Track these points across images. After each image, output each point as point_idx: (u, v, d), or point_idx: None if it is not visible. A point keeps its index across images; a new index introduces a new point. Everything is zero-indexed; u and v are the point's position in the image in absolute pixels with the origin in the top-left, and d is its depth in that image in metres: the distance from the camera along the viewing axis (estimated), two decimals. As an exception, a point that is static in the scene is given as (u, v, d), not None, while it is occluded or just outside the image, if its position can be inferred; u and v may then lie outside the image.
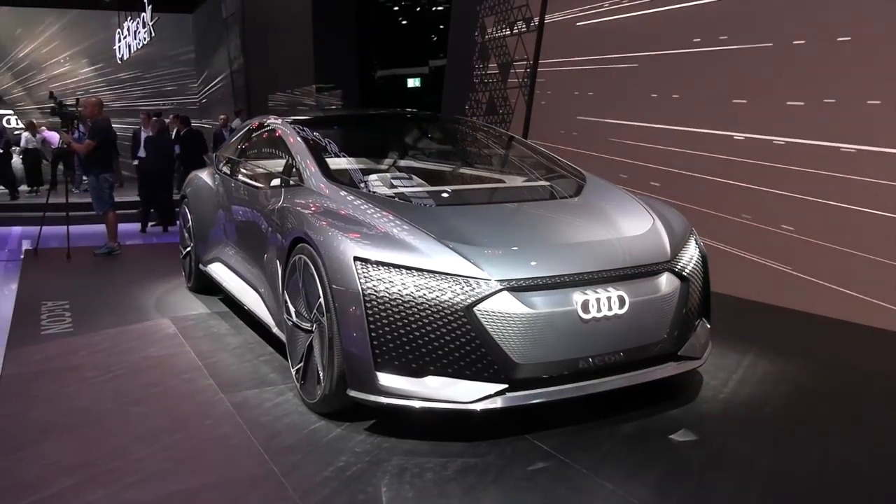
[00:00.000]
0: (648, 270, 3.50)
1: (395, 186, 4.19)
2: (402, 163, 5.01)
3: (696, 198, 6.09)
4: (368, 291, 3.17)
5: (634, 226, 3.75)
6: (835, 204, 5.20)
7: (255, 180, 5.01)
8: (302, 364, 3.66)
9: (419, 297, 3.13)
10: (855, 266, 5.07)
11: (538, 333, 3.17)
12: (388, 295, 3.15)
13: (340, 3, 15.13)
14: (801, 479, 2.93)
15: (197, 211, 6.10)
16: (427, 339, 3.13)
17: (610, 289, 3.32)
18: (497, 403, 3.14)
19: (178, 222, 7.03)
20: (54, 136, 15.87)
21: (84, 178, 14.80)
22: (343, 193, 3.88)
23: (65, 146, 8.87)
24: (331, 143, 4.69)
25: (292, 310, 3.79)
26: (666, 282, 3.53)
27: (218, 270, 5.62)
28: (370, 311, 3.16)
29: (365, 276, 3.20)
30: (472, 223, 3.62)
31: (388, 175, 4.43)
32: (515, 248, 3.39)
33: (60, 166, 14.95)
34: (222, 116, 15.62)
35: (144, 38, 20.60)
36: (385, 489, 2.85)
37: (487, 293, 3.14)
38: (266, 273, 4.40)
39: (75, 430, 3.50)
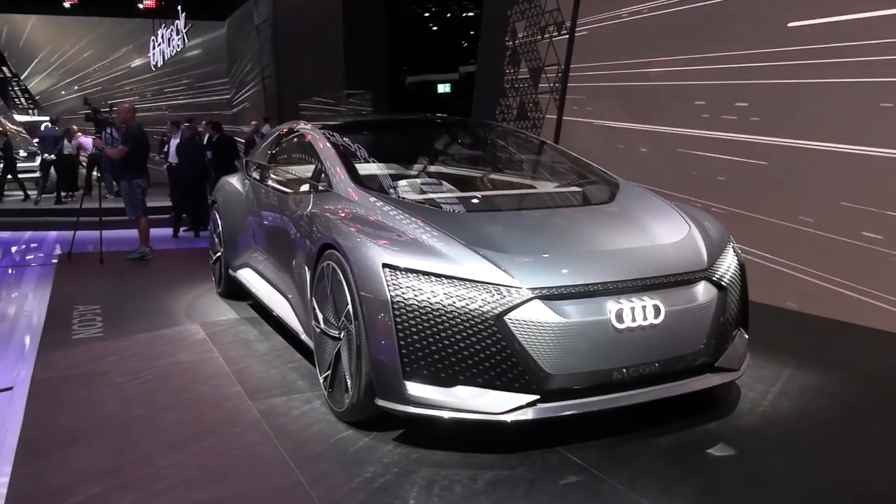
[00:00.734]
0: (685, 279, 3.41)
1: (425, 192, 4.14)
2: (432, 168, 4.97)
3: (733, 202, 5.95)
4: (397, 299, 3.12)
5: (670, 233, 3.65)
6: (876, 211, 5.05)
7: (285, 186, 4.99)
8: (330, 372, 3.62)
9: (449, 305, 3.07)
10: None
11: (571, 343, 3.09)
12: (416, 303, 3.10)
13: (371, 10, 15.16)
14: (845, 498, 2.81)
15: (227, 216, 6.10)
16: (457, 348, 3.06)
17: (645, 298, 3.23)
18: (528, 415, 3.07)
19: (209, 227, 7.05)
20: (88, 142, 16.12)
21: (115, 183, 15.05)
22: (372, 199, 3.84)
23: (98, 151, 8.96)
24: (360, 148, 4.65)
25: (320, 317, 3.75)
26: (703, 291, 3.43)
27: (247, 276, 5.61)
28: (399, 319, 3.10)
29: (394, 284, 3.15)
30: (502, 229, 3.55)
31: (417, 181, 4.38)
32: (547, 255, 3.32)
33: (95, 171, 15.21)
34: (254, 122, 15.70)
35: (178, 46, 20.86)
36: (413, 502, 2.79)
37: (518, 301, 3.07)
38: (294, 279, 4.37)
39: (104, 436, 3.49)
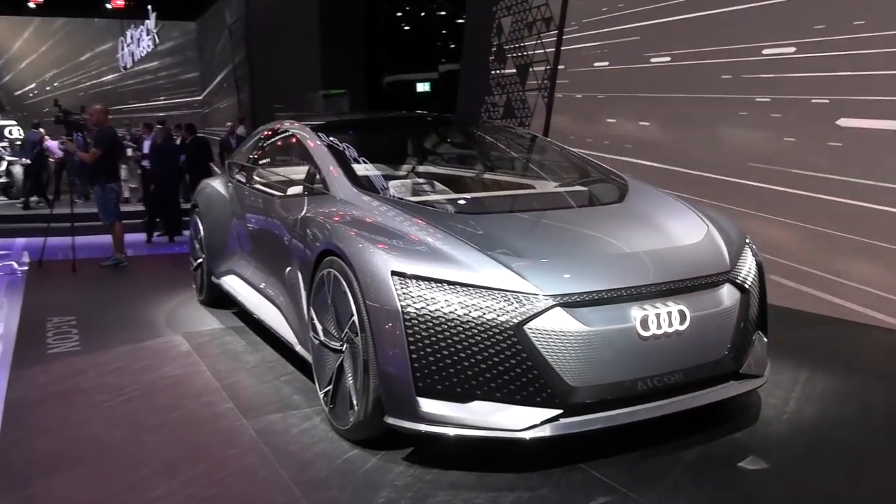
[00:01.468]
0: (709, 282, 3.22)
1: (427, 193, 3.92)
2: (432, 169, 4.75)
3: (735, 202, 5.80)
4: (408, 309, 2.90)
5: (689, 233, 3.47)
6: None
7: (274, 188, 4.73)
8: (331, 387, 3.38)
9: (464, 314, 2.86)
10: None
11: (594, 353, 2.89)
12: (429, 313, 2.88)
13: (348, 9, 14.89)
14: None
15: (209, 221, 5.83)
16: (473, 360, 2.85)
17: (669, 303, 3.04)
18: (546, 432, 2.85)
19: (188, 233, 6.76)
20: (54, 145, 15.64)
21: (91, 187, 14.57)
22: (373, 201, 3.61)
23: (64, 154, 8.62)
24: (353, 147, 4.40)
25: (319, 328, 3.52)
26: (727, 294, 3.25)
27: (232, 283, 5.34)
28: (410, 331, 2.88)
29: (403, 293, 2.93)
30: (515, 232, 3.35)
31: (418, 181, 4.15)
32: (566, 260, 3.12)
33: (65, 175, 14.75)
34: (229, 124, 15.39)
35: (148, 46, 20.40)
36: (433, 530, 2.57)
37: (539, 310, 2.86)
38: (287, 287, 4.12)
39: (87, 463, 3.22)
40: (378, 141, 4.93)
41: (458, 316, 2.86)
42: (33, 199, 15.21)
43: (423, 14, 17.87)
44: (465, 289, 2.90)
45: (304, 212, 3.95)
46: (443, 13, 17.30)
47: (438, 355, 2.86)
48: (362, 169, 4.11)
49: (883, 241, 4.90)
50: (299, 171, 4.69)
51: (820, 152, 5.31)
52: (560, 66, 7.68)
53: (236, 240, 5.34)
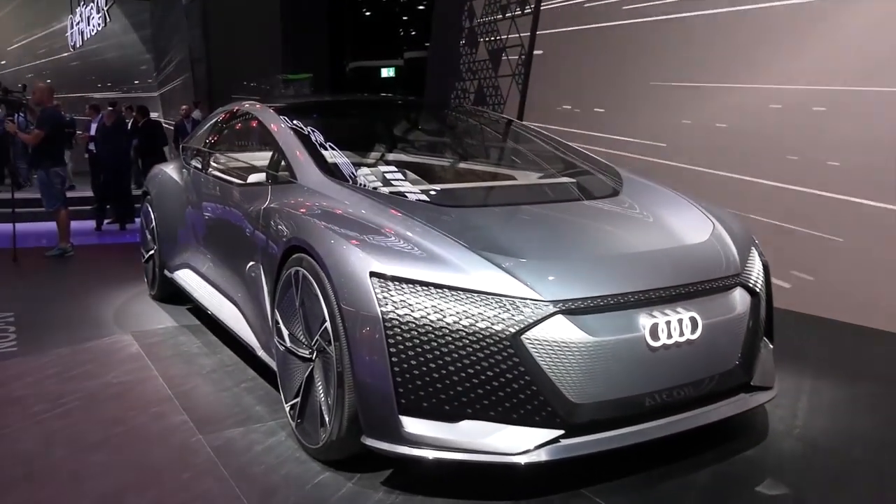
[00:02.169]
0: (720, 285, 2.93)
1: (403, 184, 3.55)
2: (404, 156, 4.37)
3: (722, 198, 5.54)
4: (389, 315, 2.54)
5: (695, 231, 3.16)
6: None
7: (233, 176, 4.32)
8: (299, 399, 3.01)
9: (453, 322, 2.51)
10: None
11: (600, 366, 2.57)
12: (413, 320, 2.53)
13: (310, -9, 14.39)
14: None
15: (162, 210, 5.38)
16: (463, 374, 2.51)
17: (679, 309, 2.73)
18: (546, 456, 2.52)
19: (139, 221, 6.30)
20: None
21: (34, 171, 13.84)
22: (346, 191, 3.24)
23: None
24: (318, 132, 3.99)
25: (285, 332, 3.14)
26: (739, 298, 2.96)
27: (187, 278, 4.92)
28: (392, 341, 2.53)
29: (384, 296, 2.57)
30: (506, 228, 3.01)
31: (392, 169, 3.76)
32: (566, 261, 2.79)
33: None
34: (184, 107, 14.72)
35: (99, 25, 19.52)
36: (421, 573, 2.23)
37: (539, 317, 2.53)
38: (248, 285, 3.73)
39: (20, 488, 2.80)
40: (347, 125, 4.52)
41: (447, 324, 2.51)
42: None
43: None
44: (454, 293, 2.56)
45: (267, 202, 3.56)
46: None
47: (424, 368, 2.52)
48: (331, 156, 3.71)
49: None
50: (261, 158, 4.29)
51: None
52: (536, 52, 7.35)
53: (192, 231, 4.92)
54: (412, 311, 2.54)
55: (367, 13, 16.64)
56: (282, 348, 3.17)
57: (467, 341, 2.50)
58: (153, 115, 13.72)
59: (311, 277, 2.87)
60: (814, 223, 5.05)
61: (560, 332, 2.53)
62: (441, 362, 2.51)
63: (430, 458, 2.53)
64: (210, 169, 4.73)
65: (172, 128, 14.24)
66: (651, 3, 6.16)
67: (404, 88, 12.60)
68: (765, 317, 3.18)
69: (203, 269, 4.66)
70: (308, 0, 14.35)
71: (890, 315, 4.54)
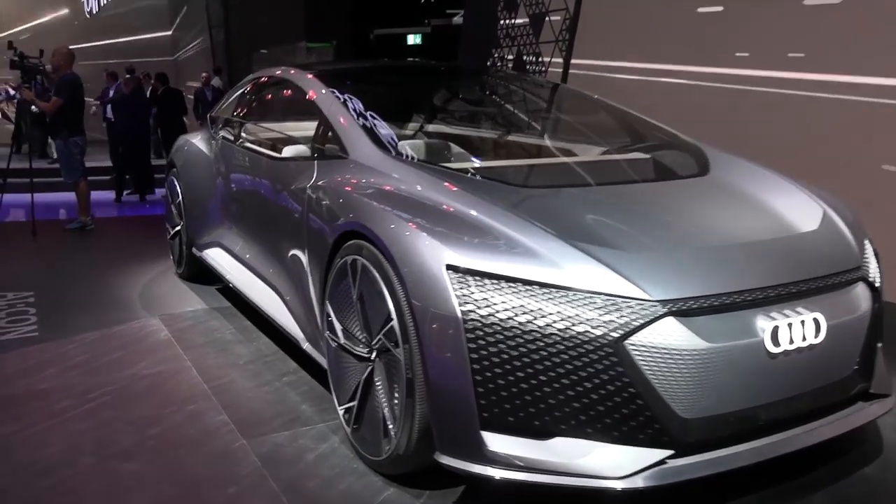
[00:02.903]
0: (842, 280, 2.55)
1: (469, 160, 3.17)
2: (464, 129, 3.97)
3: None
4: (470, 316, 2.18)
5: (806, 218, 2.77)
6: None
7: (272, 148, 3.95)
8: (355, 403, 2.67)
9: (545, 325, 2.15)
10: None
11: (715, 376, 2.21)
12: (498, 322, 2.17)
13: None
14: None
15: (189, 184, 5.03)
16: (556, 385, 2.15)
17: (800, 309, 2.36)
18: (651, 481, 2.17)
19: (159, 193, 5.96)
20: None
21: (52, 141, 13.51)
22: (409, 169, 2.86)
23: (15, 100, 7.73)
24: (366, 101, 3.58)
25: (338, 327, 2.79)
26: (862, 295, 2.59)
27: (218, 258, 4.58)
28: (474, 346, 2.17)
29: (463, 293, 2.21)
30: (598, 214, 2.62)
31: (453, 145, 3.38)
32: (671, 253, 2.41)
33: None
34: (204, 74, 14.36)
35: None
36: None
37: (646, 320, 2.16)
38: (291, 270, 3.38)
39: None
40: (397, 94, 4.09)
41: (538, 327, 2.15)
42: None
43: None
44: (545, 291, 2.19)
45: (314, 179, 3.20)
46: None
47: (511, 378, 2.16)
48: (386, 127, 3.32)
49: None
50: (301, 128, 3.93)
51: None
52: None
53: (223, 208, 4.57)
54: (496, 311, 2.18)
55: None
56: (334, 344, 2.83)
57: (562, 347, 2.15)
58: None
59: (372, 268, 2.51)
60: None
61: (670, 337, 2.17)
62: (530, 371, 2.15)
63: (516, 479, 2.19)
64: (243, 141, 4.35)
65: (192, 96, 13.88)
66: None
67: (432, 57, 12.10)
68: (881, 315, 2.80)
69: (236, 250, 4.31)
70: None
71: None
